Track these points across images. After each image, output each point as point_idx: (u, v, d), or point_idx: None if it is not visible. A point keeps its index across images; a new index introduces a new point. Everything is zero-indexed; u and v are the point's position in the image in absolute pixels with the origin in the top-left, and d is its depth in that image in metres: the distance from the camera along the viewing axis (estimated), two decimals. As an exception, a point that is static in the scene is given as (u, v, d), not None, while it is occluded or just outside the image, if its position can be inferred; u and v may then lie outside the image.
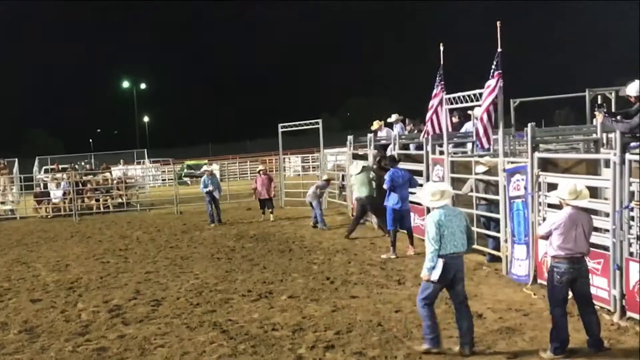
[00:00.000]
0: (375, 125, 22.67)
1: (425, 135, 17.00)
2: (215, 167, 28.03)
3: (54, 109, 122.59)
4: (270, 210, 24.58)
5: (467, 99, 14.64)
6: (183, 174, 53.46)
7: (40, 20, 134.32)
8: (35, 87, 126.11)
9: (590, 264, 9.99)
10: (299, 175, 46.71)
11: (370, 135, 21.78)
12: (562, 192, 8.92)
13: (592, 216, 9.57)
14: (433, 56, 16.85)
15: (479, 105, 14.48)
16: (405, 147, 20.48)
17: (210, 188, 24.92)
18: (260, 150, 65.04)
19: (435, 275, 8.91)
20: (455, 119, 20.23)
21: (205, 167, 28.52)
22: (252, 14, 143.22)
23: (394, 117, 22.48)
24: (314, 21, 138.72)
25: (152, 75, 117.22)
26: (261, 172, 25.08)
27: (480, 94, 13.82)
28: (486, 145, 14.48)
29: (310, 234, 20.12)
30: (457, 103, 15.35)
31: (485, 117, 13.57)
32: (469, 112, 18.03)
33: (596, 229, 10.34)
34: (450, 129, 17.06)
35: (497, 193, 13.95)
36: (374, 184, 18.82)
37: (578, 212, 8.83)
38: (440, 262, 8.88)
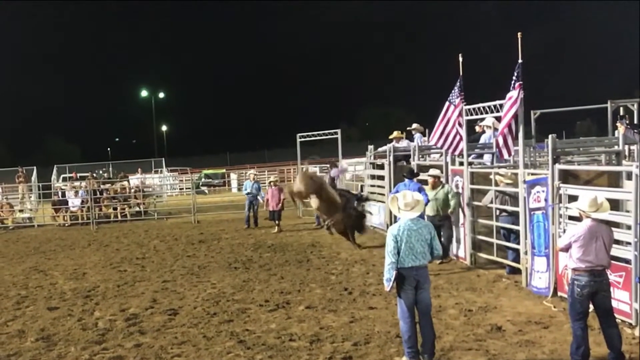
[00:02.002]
0: (395, 134, 22.57)
1: (448, 148, 16.81)
2: (253, 172, 28.23)
3: (73, 118, 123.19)
4: (277, 222, 24.55)
5: (488, 110, 14.55)
6: (201, 183, 53.51)
7: (61, 28, 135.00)
8: (54, 96, 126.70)
9: (612, 277, 9.89)
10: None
11: (390, 145, 21.67)
12: (583, 204, 8.85)
13: (614, 229, 9.47)
14: (452, 66, 16.77)
15: (496, 117, 14.45)
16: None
17: (252, 191, 26.00)
18: (278, 160, 65.03)
19: (388, 287, 9.14)
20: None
21: (250, 172, 29.00)
22: (273, 25, 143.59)
23: (414, 126, 22.43)
24: (332, 31, 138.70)
25: (171, 84, 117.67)
26: (272, 184, 25.07)
27: (501, 105, 13.73)
28: (506, 156, 14.38)
29: (329, 244, 20.00)
30: (477, 114, 15.26)
31: (506, 128, 13.47)
32: (481, 123, 17.95)
33: (618, 242, 10.25)
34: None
35: (515, 204, 13.88)
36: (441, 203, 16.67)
37: (598, 224, 8.74)
38: (394, 273, 9.03)
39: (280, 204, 24.50)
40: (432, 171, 16.48)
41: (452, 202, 15.92)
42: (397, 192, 16.62)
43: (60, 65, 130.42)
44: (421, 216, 9.70)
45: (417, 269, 9.09)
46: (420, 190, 16.11)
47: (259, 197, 26.18)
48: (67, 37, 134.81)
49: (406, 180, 16.90)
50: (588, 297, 8.71)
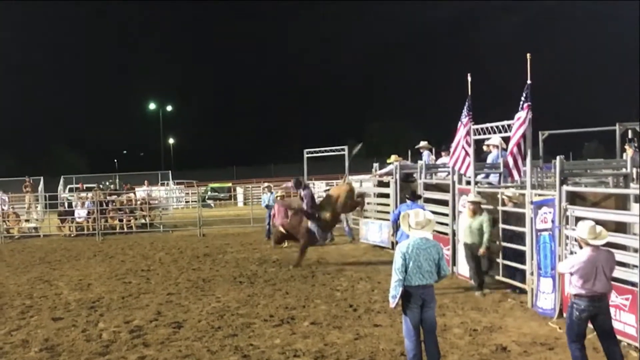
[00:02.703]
0: (393, 159, 22.45)
1: (459, 168, 16.72)
2: (267, 184, 28.29)
3: (80, 129, 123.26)
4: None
5: (496, 129, 14.55)
6: (207, 197, 53.53)
7: (70, 39, 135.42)
8: (62, 107, 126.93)
9: (618, 299, 9.90)
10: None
11: (396, 164, 21.64)
12: (582, 232, 8.88)
13: (620, 251, 9.49)
14: (460, 84, 16.77)
15: (503, 137, 14.47)
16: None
17: (270, 203, 26.15)
18: (285, 174, 64.93)
19: (393, 304, 9.20)
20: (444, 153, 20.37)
21: (264, 185, 29.08)
22: (283, 40, 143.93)
23: (421, 144, 22.42)
24: (342, 49, 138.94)
25: (179, 97, 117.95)
26: (278, 199, 25.06)
27: (509, 125, 13.74)
28: (516, 178, 14.39)
29: (334, 259, 19.97)
30: (485, 134, 15.27)
31: (515, 149, 13.47)
32: (487, 142, 17.94)
33: (624, 265, 10.24)
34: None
35: (517, 224, 13.93)
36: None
37: (598, 252, 8.77)
38: (400, 290, 9.07)
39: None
40: (472, 196, 15.25)
41: (485, 236, 14.64)
42: (399, 213, 16.72)
43: (69, 76, 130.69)
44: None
45: (424, 287, 9.12)
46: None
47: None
48: (77, 48, 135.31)
49: (409, 201, 16.93)
50: (586, 320, 8.77)
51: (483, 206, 15.04)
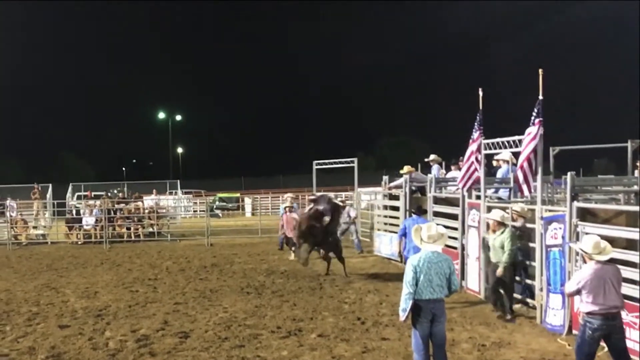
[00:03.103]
0: (406, 169, 22.44)
1: (464, 185, 16.63)
2: (289, 195, 28.10)
3: (90, 137, 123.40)
4: (292, 248, 24.17)
5: (507, 144, 14.51)
6: (215, 206, 53.54)
7: (81, 47, 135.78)
8: (72, 114, 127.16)
9: (629, 317, 9.85)
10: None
11: (406, 177, 21.60)
12: (586, 246, 8.85)
13: (631, 269, 9.43)
14: (471, 99, 16.74)
15: (514, 152, 14.42)
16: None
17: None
18: (293, 185, 64.88)
19: (403, 317, 9.17)
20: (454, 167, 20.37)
21: (287, 195, 28.86)
22: (293, 51, 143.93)
23: (432, 157, 22.38)
24: (353, 64, 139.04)
25: (189, 107, 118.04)
26: (287, 209, 24.87)
27: (520, 141, 13.69)
28: (527, 193, 14.32)
29: (342, 272, 19.85)
30: (495, 149, 15.23)
31: (526, 164, 13.41)
32: (497, 157, 17.91)
33: (634, 282, 10.17)
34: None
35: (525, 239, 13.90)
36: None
37: (603, 266, 8.74)
38: (410, 304, 9.04)
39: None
40: (494, 213, 14.03)
41: (504, 256, 13.42)
42: (404, 231, 16.70)
43: (78, 84, 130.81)
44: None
45: (435, 302, 9.09)
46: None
47: None
48: (87, 55, 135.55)
49: (414, 216, 16.90)
50: (599, 339, 8.70)
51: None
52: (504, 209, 14.63)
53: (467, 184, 16.17)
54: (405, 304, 9.08)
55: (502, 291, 13.85)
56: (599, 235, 9.41)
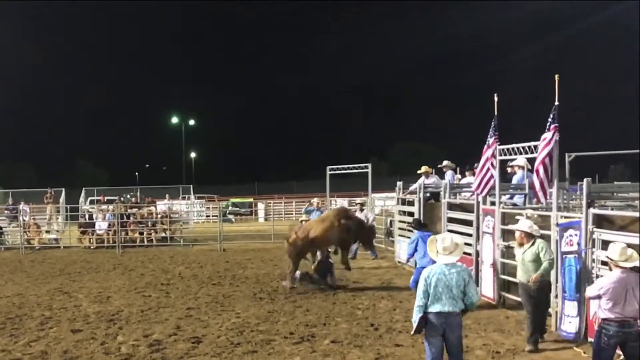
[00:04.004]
0: (423, 169, 22.41)
1: (480, 191, 16.51)
2: (316, 200, 27.90)
3: (103, 142, 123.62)
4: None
5: (522, 150, 14.42)
6: (228, 211, 53.52)
7: (93, 53, 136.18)
8: (85, 119, 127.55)
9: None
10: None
11: (420, 181, 21.55)
12: (612, 254, 8.80)
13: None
14: (485, 104, 16.66)
15: (529, 158, 14.32)
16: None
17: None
18: (307, 191, 64.80)
19: (413, 329, 9.07)
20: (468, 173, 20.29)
21: (314, 200, 28.65)
22: (306, 57, 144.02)
23: (445, 163, 22.33)
24: (368, 69, 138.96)
25: (202, 112, 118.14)
26: (302, 222, 24.70)
27: (535, 147, 13.60)
28: (542, 200, 14.22)
29: (356, 277, 19.78)
30: (511, 154, 15.14)
31: (541, 170, 13.31)
32: (511, 163, 17.82)
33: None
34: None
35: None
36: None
37: (628, 274, 8.68)
38: (418, 316, 8.89)
39: None
40: (522, 223, 12.41)
41: (544, 264, 11.87)
42: (415, 248, 16.59)
43: (92, 88, 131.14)
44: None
45: (446, 316, 8.83)
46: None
47: None
48: (100, 60, 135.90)
49: (417, 232, 16.83)
50: (614, 346, 8.64)
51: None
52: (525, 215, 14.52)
53: (483, 190, 16.08)
54: (415, 316, 8.97)
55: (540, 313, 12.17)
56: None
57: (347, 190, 54.34)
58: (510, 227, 13.72)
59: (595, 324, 10.60)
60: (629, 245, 9.30)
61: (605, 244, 10.80)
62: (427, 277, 8.89)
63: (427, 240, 9.76)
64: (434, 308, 8.82)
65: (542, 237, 12.43)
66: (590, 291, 9.15)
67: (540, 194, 13.49)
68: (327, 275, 18.40)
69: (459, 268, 9.07)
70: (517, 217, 13.56)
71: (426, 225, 17.74)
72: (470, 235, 16.78)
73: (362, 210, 25.46)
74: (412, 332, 9.26)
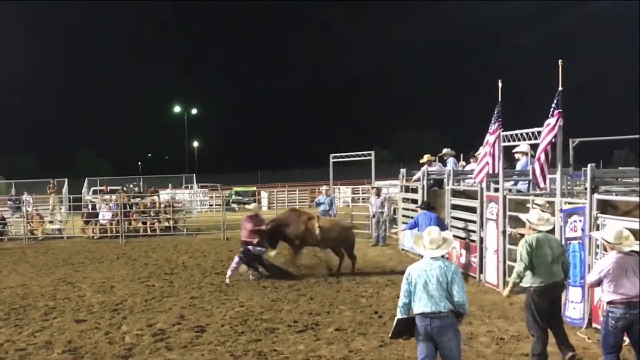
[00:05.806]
0: (425, 158, 22.38)
1: (480, 176, 16.47)
2: (325, 187, 27.78)
3: (105, 132, 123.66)
4: None
5: (526, 136, 14.37)
6: (231, 200, 53.47)
7: (96, 44, 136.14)
8: (88, 109, 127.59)
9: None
10: (349, 206, 46.20)
11: (423, 169, 21.50)
12: (608, 235, 8.77)
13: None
14: (489, 91, 16.60)
15: (532, 144, 14.27)
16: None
17: (325, 207, 25.46)
18: (310, 179, 64.84)
19: (391, 332, 8.58)
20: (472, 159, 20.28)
21: (323, 188, 28.53)
22: (309, 43, 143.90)
23: (444, 151, 22.31)
24: (370, 55, 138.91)
25: (204, 101, 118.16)
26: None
27: (539, 132, 13.55)
28: (542, 185, 14.18)
29: (359, 265, 19.69)
30: (514, 141, 15.09)
31: (542, 155, 13.27)
32: (515, 150, 17.77)
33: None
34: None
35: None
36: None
37: (625, 256, 8.68)
38: (399, 317, 8.34)
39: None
40: (532, 214, 10.62)
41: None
42: (415, 223, 16.65)
43: (94, 78, 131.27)
44: None
45: (432, 318, 8.02)
46: (440, 224, 15.91)
47: (330, 213, 25.23)
48: (103, 51, 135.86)
49: (424, 211, 16.85)
50: (622, 330, 8.59)
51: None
52: (524, 202, 14.47)
53: (477, 176, 16.09)
54: (398, 314, 8.39)
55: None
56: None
57: (350, 178, 54.33)
58: (520, 215, 13.22)
59: (600, 309, 10.60)
60: (632, 231, 9.25)
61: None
62: (408, 275, 8.28)
63: (414, 237, 9.06)
64: (417, 308, 8.13)
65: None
66: (590, 277, 9.11)
67: (540, 179, 13.47)
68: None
69: (442, 263, 8.24)
70: (528, 205, 13.51)
71: (434, 207, 17.73)
72: (474, 222, 16.76)
73: (378, 195, 25.46)
74: (389, 336, 8.79)
